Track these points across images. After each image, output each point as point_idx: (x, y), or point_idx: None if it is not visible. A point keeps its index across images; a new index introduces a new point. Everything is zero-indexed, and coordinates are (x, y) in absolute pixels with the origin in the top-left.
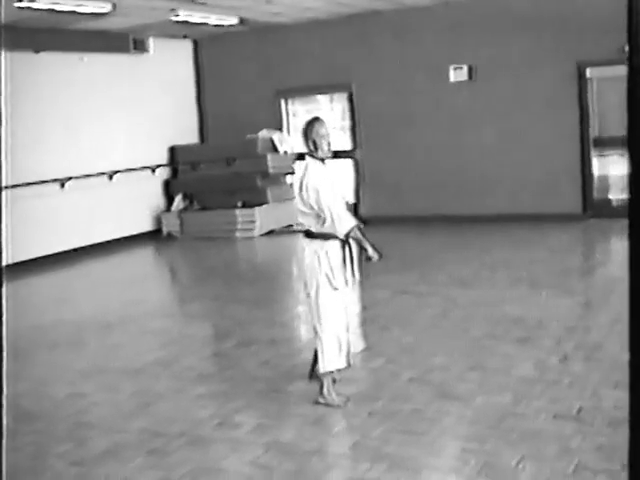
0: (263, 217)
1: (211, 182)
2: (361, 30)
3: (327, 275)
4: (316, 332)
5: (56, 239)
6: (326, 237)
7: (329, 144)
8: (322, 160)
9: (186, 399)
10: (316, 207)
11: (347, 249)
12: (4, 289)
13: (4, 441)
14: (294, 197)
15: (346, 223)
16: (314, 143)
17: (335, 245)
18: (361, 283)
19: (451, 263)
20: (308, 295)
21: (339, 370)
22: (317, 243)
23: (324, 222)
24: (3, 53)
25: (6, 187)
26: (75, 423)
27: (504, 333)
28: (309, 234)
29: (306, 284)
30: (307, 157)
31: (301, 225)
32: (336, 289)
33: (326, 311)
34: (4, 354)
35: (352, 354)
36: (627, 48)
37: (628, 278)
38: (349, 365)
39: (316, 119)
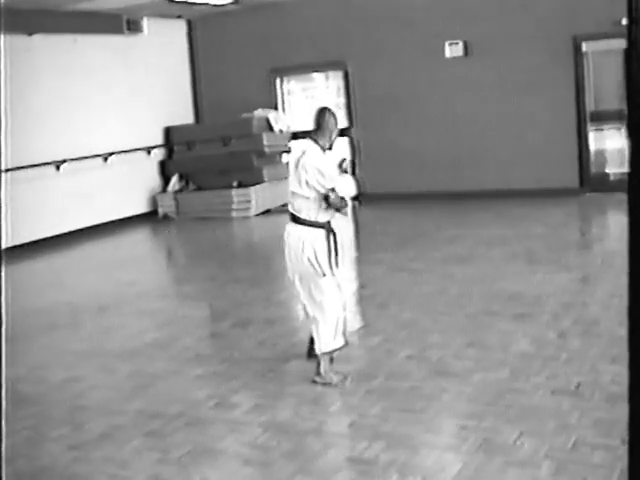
0: (259, 196)
1: (207, 162)
2: (356, 7)
3: (310, 261)
4: (308, 315)
5: (52, 222)
6: (312, 225)
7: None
8: (323, 149)
9: (183, 380)
10: (317, 186)
11: (332, 238)
12: (3, 273)
13: (3, 426)
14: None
15: (350, 186)
16: (330, 135)
17: (320, 233)
18: (358, 261)
19: (448, 240)
20: (300, 281)
21: (336, 350)
22: (302, 229)
23: (323, 202)
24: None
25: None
26: (72, 406)
27: (501, 309)
28: (295, 219)
29: (291, 270)
30: (309, 140)
31: (290, 207)
32: (324, 275)
33: (321, 295)
34: (2, 338)
35: (349, 332)
36: (625, 21)
37: (628, 258)
38: (346, 343)
39: (330, 110)
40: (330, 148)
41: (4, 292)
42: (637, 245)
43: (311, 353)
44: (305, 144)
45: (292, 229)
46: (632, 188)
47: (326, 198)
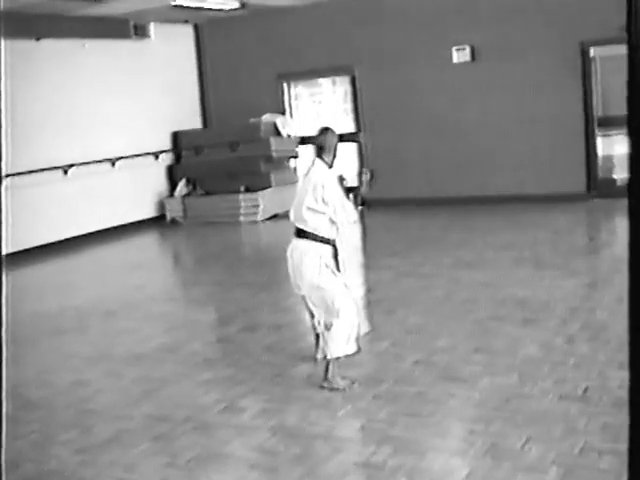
0: (267, 201)
1: (214, 167)
2: (363, 12)
3: (328, 266)
4: (325, 323)
5: (60, 226)
6: (322, 240)
7: None
8: (328, 166)
9: (191, 384)
10: (330, 202)
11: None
12: (4, 277)
13: (4, 430)
14: (297, 182)
15: (349, 213)
16: (334, 155)
17: (329, 249)
18: (365, 266)
19: (455, 245)
20: (316, 295)
21: (347, 355)
22: (317, 245)
23: (334, 222)
24: (3, 41)
25: (9, 175)
26: (79, 410)
27: (509, 314)
28: (307, 235)
29: (304, 286)
30: (316, 158)
31: (302, 224)
32: (340, 276)
33: (337, 303)
34: (3, 342)
35: (359, 337)
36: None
37: (628, 262)
38: (359, 350)
39: (331, 129)
40: (331, 166)
41: (8, 296)
42: (637, 250)
43: (318, 345)
44: (312, 159)
45: (307, 246)
46: (632, 193)
47: (360, 174)
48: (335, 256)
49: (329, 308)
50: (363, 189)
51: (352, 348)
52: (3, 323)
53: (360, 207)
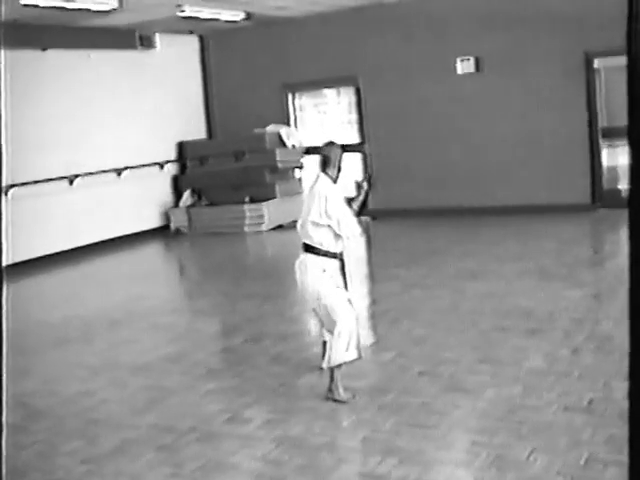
0: (271, 212)
1: (219, 177)
2: (367, 23)
3: (332, 278)
4: (328, 331)
5: (65, 236)
6: (330, 255)
7: None
8: (333, 180)
9: (196, 395)
10: (333, 215)
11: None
12: (4, 287)
13: (4, 439)
14: (302, 192)
15: (353, 227)
16: (339, 169)
17: (336, 263)
18: (370, 277)
19: (460, 255)
20: (319, 305)
21: (347, 362)
22: (323, 260)
23: (338, 235)
24: (4, 52)
25: (14, 185)
26: (85, 420)
27: (514, 325)
28: (314, 250)
29: (309, 299)
30: (320, 173)
31: (308, 239)
32: (341, 288)
33: (335, 314)
34: (4, 351)
35: (362, 346)
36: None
37: (628, 271)
38: (360, 357)
39: (335, 143)
40: (336, 180)
41: (15, 306)
42: (637, 261)
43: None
44: (317, 174)
45: (310, 260)
46: (632, 204)
47: (358, 186)
48: (342, 269)
49: (329, 318)
50: (360, 198)
51: (352, 355)
52: (4, 332)
53: (361, 218)
